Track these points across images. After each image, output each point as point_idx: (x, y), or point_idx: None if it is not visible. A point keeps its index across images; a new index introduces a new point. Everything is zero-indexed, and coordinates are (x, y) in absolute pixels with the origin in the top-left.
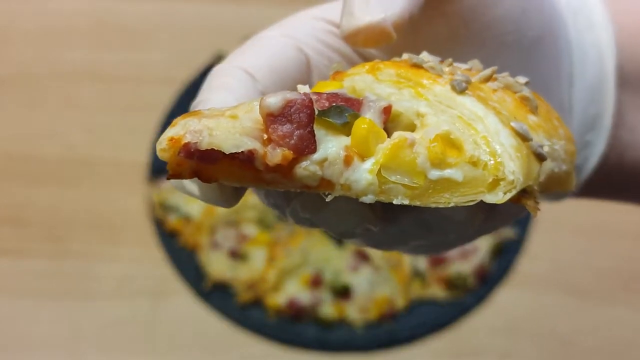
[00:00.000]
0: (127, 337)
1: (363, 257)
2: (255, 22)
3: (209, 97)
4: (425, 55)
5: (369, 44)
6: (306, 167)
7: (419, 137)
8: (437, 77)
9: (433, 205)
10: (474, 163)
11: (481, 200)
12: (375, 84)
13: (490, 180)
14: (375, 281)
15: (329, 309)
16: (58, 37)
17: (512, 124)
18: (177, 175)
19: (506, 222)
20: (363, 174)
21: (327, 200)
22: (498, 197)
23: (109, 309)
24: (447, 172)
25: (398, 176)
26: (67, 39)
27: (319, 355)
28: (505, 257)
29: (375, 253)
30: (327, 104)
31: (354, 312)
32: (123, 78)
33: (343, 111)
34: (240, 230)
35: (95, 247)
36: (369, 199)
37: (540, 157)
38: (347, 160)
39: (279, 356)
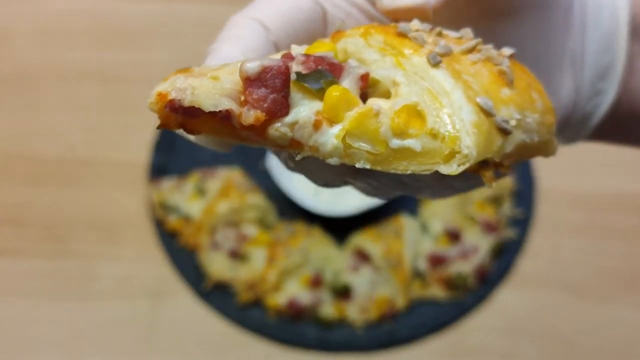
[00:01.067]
0: (126, 337)
1: (363, 258)
2: None
3: (220, 47)
4: (414, 24)
5: (404, 19)
6: (277, 129)
7: (386, 107)
8: (419, 47)
9: (392, 171)
10: (434, 135)
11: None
12: (365, 48)
13: (447, 152)
14: (376, 281)
15: (329, 309)
16: (58, 37)
17: (478, 99)
18: (166, 126)
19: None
20: (330, 138)
21: (296, 159)
22: (452, 168)
23: (108, 309)
24: (407, 142)
25: (362, 143)
26: (67, 39)
27: (319, 355)
28: (505, 257)
29: (375, 254)
30: (313, 66)
31: (354, 312)
32: (123, 78)
33: (321, 77)
34: (241, 231)
35: (95, 247)
36: (334, 161)
37: (505, 132)
38: (317, 125)
39: (279, 356)
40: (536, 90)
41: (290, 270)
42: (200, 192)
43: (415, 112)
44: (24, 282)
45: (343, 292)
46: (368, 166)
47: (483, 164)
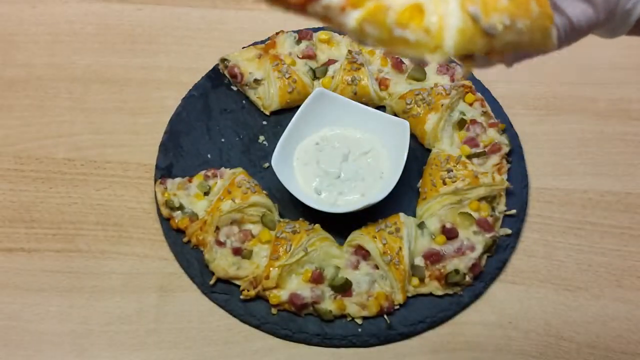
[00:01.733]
0: (134, 331)
1: (363, 255)
2: (259, 27)
3: None
4: None
5: None
6: (314, 8)
7: (397, 4)
8: None
9: (392, 53)
10: (426, 31)
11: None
12: None
13: (432, 46)
14: (375, 278)
15: (329, 304)
16: (67, 42)
17: (470, 8)
18: None
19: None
20: (351, 20)
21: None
22: (435, 59)
23: (116, 304)
24: (405, 33)
25: (372, 28)
26: (76, 44)
27: (320, 348)
28: (499, 254)
29: (374, 251)
30: None
31: (354, 307)
32: (130, 81)
33: None
34: (244, 229)
35: (104, 244)
36: (352, 37)
37: (490, 35)
38: (342, 8)
39: (281, 350)
40: (537, 2)
41: (292, 266)
42: (205, 191)
43: (419, 10)
44: (35, 278)
45: (343, 288)
46: (375, 46)
47: (468, 57)
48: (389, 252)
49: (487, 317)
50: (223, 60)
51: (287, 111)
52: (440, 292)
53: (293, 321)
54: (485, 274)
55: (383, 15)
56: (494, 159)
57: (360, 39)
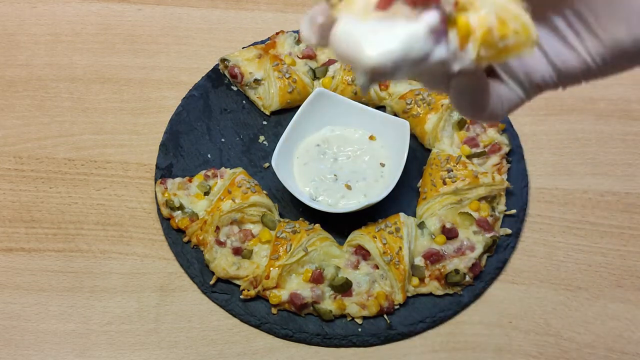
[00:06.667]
0: (134, 330)
1: (363, 254)
2: (259, 27)
3: None
4: None
5: None
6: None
7: (490, 23)
8: None
9: (499, 62)
10: (516, 32)
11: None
12: None
13: (525, 41)
14: (375, 277)
15: (329, 304)
16: (68, 42)
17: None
18: None
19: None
20: (470, 51)
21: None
22: (531, 52)
23: (117, 304)
24: (507, 41)
25: (486, 50)
26: (77, 44)
27: (320, 348)
28: (499, 254)
29: (374, 251)
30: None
31: (354, 307)
32: (130, 81)
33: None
34: (244, 229)
35: (104, 244)
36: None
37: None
38: (461, 46)
39: (281, 349)
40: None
41: (292, 266)
42: (205, 191)
43: (500, 21)
44: (35, 278)
45: (343, 288)
46: (485, 63)
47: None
48: (389, 252)
49: (487, 317)
50: (223, 60)
51: (287, 111)
52: (440, 292)
53: (293, 321)
54: (485, 274)
55: (491, 36)
56: (494, 159)
57: (479, 63)
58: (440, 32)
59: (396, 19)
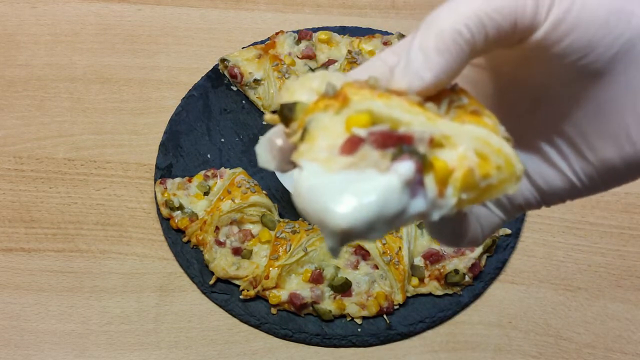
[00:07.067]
0: (133, 330)
1: (363, 255)
2: (258, 27)
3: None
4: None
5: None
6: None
7: (474, 162)
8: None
9: (481, 203)
10: (499, 168)
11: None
12: (388, 109)
13: (509, 176)
14: (375, 278)
15: (329, 304)
16: (67, 42)
17: (501, 134)
18: None
19: None
20: (449, 197)
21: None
22: (516, 187)
23: (116, 304)
24: (489, 180)
25: (466, 193)
26: (76, 44)
27: (320, 348)
28: (499, 254)
29: (374, 251)
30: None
31: (354, 307)
32: (130, 81)
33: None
34: (244, 229)
35: (104, 244)
36: (449, 211)
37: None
38: (440, 193)
39: (281, 350)
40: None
41: (291, 266)
42: (205, 191)
43: (481, 156)
44: (35, 278)
45: (343, 288)
46: (466, 207)
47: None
48: (388, 252)
49: (487, 317)
50: (223, 60)
51: None
52: (439, 292)
53: (293, 321)
54: (484, 274)
55: (472, 176)
56: None
57: (458, 208)
58: (416, 182)
59: (366, 170)
